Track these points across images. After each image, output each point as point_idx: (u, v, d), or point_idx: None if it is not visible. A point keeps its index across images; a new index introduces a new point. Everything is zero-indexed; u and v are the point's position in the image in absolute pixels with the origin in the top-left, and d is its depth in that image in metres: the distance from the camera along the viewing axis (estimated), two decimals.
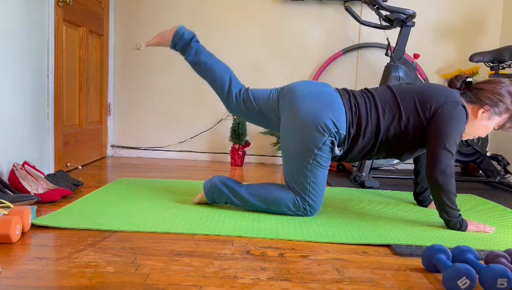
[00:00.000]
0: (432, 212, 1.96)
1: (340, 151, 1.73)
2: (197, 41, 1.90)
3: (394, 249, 1.42)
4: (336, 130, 1.68)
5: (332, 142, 1.70)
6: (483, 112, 1.72)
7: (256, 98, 1.84)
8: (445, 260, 1.20)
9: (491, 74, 2.66)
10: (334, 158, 1.78)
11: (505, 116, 1.72)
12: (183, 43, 1.88)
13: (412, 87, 1.77)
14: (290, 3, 3.25)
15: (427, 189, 2.05)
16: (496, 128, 1.77)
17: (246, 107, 1.85)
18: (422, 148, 1.77)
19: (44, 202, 1.83)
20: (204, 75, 1.90)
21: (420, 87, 1.76)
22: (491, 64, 2.66)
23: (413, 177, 2.09)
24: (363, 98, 1.76)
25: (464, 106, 1.68)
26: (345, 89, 1.81)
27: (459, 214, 1.65)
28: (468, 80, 1.78)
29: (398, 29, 3.18)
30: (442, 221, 1.74)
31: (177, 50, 1.91)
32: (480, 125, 1.75)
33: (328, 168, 1.76)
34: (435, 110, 1.68)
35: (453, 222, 1.65)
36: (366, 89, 1.83)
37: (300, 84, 1.80)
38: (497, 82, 1.73)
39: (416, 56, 2.82)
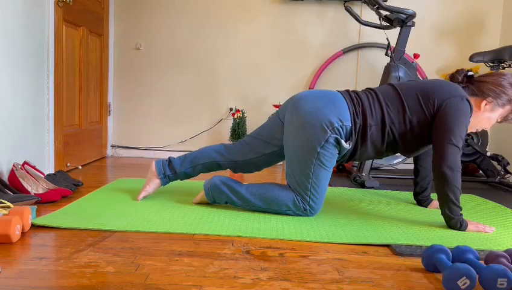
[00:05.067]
0: (432, 212, 1.96)
1: (349, 144, 1.73)
2: (173, 158, 1.95)
3: (394, 249, 1.42)
4: (341, 123, 1.69)
5: (336, 140, 1.70)
6: (486, 104, 1.74)
7: (257, 132, 1.90)
8: (445, 260, 1.20)
9: None
10: (344, 156, 1.78)
11: (508, 107, 1.75)
12: (167, 168, 1.93)
13: (414, 83, 1.78)
14: (289, 3, 3.25)
15: (426, 189, 2.05)
16: (499, 120, 1.79)
17: (249, 145, 1.89)
18: (429, 144, 1.78)
19: (44, 202, 1.83)
20: (206, 167, 1.93)
21: (422, 83, 1.77)
22: (491, 64, 2.66)
23: (413, 177, 2.09)
24: (364, 93, 1.78)
25: (467, 100, 1.69)
26: (345, 90, 1.82)
27: (461, 213, 1.65)
28: (470, 74, 1.80)
29: (398, 29, 3.18)
30: (442, 221, 1.74)
31: (169, 179, 1.94)
32: (484, 117, 1.76)
33: (332, 169, 1.76)
34: (439, 105, 1.69)
35: (454, 220, 1.65)
36: (367, 88, 1.85)
37: (298, 93, 1.86)
38: (498, 74, 1.75)
39: (416, 56, 2.82)
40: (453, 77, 1.84)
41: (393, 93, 1.75)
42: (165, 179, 1.93)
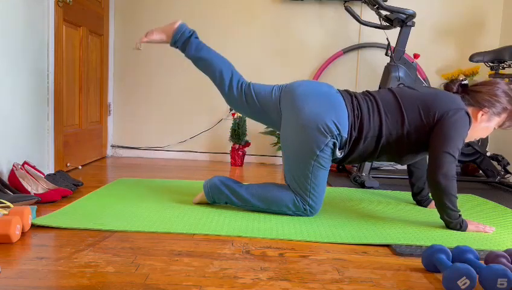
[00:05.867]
0: (432, 212, 1.96)
1: (341, 154, 1.73)
2: (197, 37, 1.90)
3: (394, 249, 1.42)
4: (338, 132, 1.68)
5: (334, 144, 1.70)
6: (482, 114, 1.74)
7: (258, 94, 1.82)
8: (445, 260, 1.20)
9: (491, 74, 2.66)
10: (334, 160, 1.78)
11: (504, 115, 1.75)
12: (184, 40, 1.87)
13: (415, 93, 1.77)
14: (290, 3, 3.26)
15: (424, 188, 2.05)
16: (496, 127, 1.79)
17: (247, 102, 1.83)
18: (424, 153, 1.78)
19: (44, 202, 1.83)
20: (205, 70, 1.89)
21: (423, 94, 1.75)
22: (491, 64, 2.66)
23: None
24: (365, 101, 1.76)
25: (467, 113, 1.69)
26: (347, 91, 1.80)
27: (459, 215, 1.65)
28: (464, 82, 1.80)
29: (398, 29, 3.18)
30: (442, 221, 1.74)
31: (177, 47, 1.90)
32: (481, 127, 1.77)
33: (329, 168, 1.76)
34: (439, 117, 1.69)
35: (454, 223, 1.65)
36: (367, 91, 1.83)
37: (302, 83, 1.79)
38: (492, 83, 1.76)
39: (416, 56, 2.82)
40: (447, 87, 1.84)
41: (394, 103, 1.74)
42: (174, 45, 1.90)
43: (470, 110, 1.75)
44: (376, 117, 1.72)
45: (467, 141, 1.79)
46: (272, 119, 1.83)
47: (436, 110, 1.70)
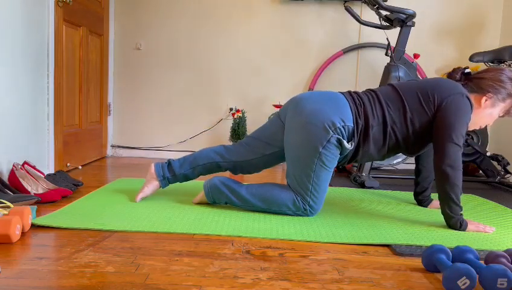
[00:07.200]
0: (432, 212, 1.96)
1: (351, 145, 1.73)
2: (173, 160, 1.94)
3: (394, 249, 1.42)
4: (343, 124, 1.69)
5: (338, 140, 1.70)
6: (486, 100, 1.74)
7: (258, 133, 1.90)
8: (445, 260, 1.20)
9: None
10: (346, 157, 1.78)
11: (509, 101, 1.75)
12: (167, 169, 1.92)
13: (414, 82, 1.79)
14: (289, 3, 3.26)
15: (427, 189, 2.05)
16: (502, 114, 1.79)
17: (252, 147, 1.88)
18: (431, 142, 1.78)
19: (44, 202, 1.83)
20: (208, 170, 1.92)
21: (422, 82, 1.77)
22: (491, 64, 2.66)
23: (413, 177, 2.09)
24: (365, 95, 1.79)
25: (467, 97, 1.69)
26: (346, 91, 1.83)
27: (461, 213, 1.65)
28: (467, 71, 1.80)
29: (398, 29, 3.18)
30: (442, 221, 1.74)
31: (169, 181, 1.93)
32: (485, 113, 1.77)
33: (333, 170, 1.76)
34: (439, 104, 1.69)
35: (454, 219, 1.65)
36: (367, 89, 1.85)
37: (300, 93, 1.85)
38: (496, 70, 1.76)
39: (416, 56, 2.82)
40: (450, 76, 1.84)
41: (393, 94, 1.76)
42: (164, 181, 1.92)
43: (472, 96, 1.75)
44: (378, 107, 1.73)
45: (472, 128, 1.80)
46: (279, 140, 1.84)
47: (435, 96, 1.70)
